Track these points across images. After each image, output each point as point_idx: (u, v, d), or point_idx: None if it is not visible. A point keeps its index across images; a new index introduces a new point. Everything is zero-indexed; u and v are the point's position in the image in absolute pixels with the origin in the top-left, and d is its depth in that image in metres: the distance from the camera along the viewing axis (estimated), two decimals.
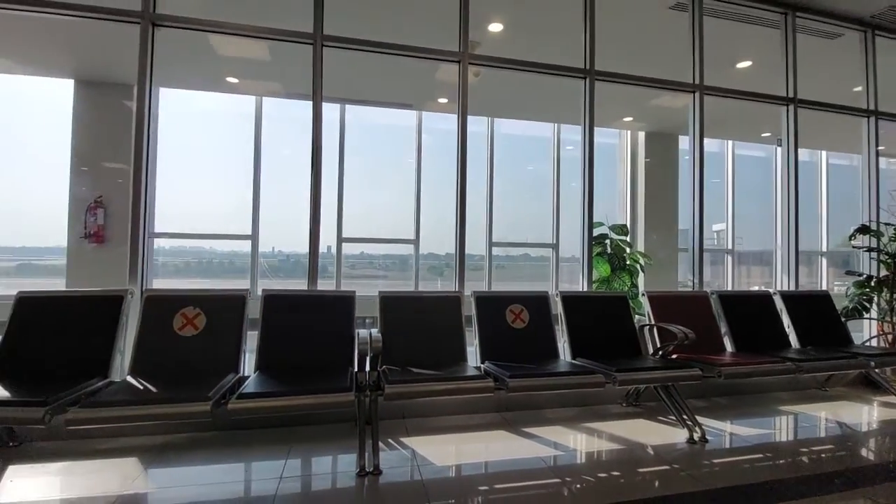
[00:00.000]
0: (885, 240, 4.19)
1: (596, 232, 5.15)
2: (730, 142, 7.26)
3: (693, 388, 3.30)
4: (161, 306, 2.58)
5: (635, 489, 2.03)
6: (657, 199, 6.84)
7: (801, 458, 2.38)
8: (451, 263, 3.40)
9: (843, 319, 3.79)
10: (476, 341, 2.93)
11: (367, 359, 2.37)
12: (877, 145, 4.53)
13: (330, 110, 5.75)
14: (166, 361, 2.45)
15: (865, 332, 4.29)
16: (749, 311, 3.52)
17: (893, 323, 3.95)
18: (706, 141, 3.93)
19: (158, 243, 5.44)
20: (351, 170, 5.91)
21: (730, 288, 7.16)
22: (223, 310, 2.64)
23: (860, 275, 4.22)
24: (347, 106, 5.92)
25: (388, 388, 2.20)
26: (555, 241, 6.47)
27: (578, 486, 2.06)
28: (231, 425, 2.60)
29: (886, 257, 4.11)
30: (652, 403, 3.17)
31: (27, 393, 1.94)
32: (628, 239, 5.76)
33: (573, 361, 2.88)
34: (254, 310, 2.73)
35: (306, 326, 2.69)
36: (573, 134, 6.53)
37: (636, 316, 3.40)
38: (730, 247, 7.26)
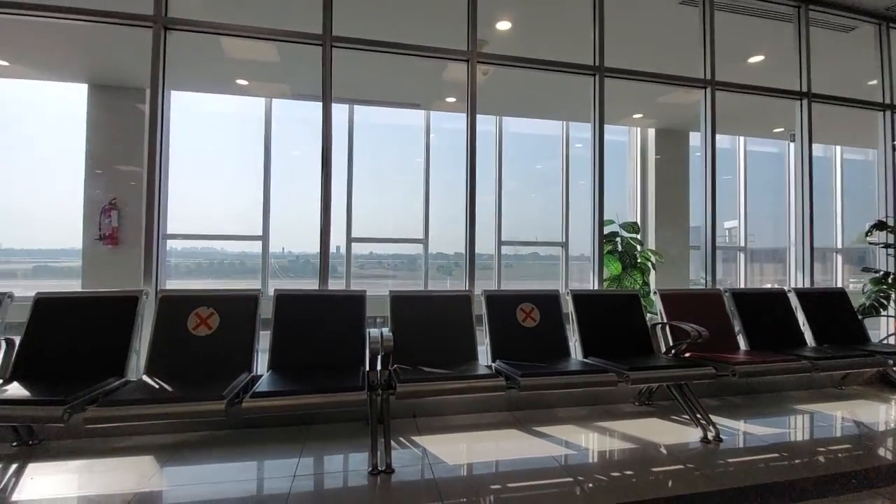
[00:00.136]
0: None
1: (606, 230, 5.13)
2: (741, 138, 7.17)
3: (706, 386, 3.28)
4: (175, 306, 2.62)
5: (649, 489, 2.02)
6: (668, 197, 6.78)
7: (817, 458, 2.35)
8: (460, 263, 3.40)
9: (859, 317, 3.72)
10: (487, 340, 2.92)
11: (379, 358, 2.38)
12: (893, 140, 4.45)
13: (338, 111, 5.78)
14: (181, 361, 2.48)
15: (882, 329, 4.22)
16: (763, 309, 3.47)
17: None
18: (717, 137, 3.89)
19: (170, 245, 5.50)
20: (360, 170, 5.94)
21: (742, 286, 7.07)
22: (236, 309, 2.66)
23: (877, 271, 4.14)
24: (356, 106, 5.95)
25: (400, 387, 2.20)
26: (564, 240, 6.44)
27: (591, 485, 2.05)
28: (245, 424, 2.63)
29: None
30: (664, 402, 3.14)
31: (46, 392, 1.97)
32: (639, 237, 5.72)
33: (585, 360, 2.86)
34: (265, 310, 2.75)
35: (318, 326, 2.71)
36: (582, 132, 6.50)
37: (648, 314, 3.37)
38: (742, 244, 7.18)
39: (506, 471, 2.21)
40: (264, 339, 2.68)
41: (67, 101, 5.33)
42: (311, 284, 3.10)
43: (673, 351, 2.99)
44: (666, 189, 6.80)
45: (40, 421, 1.89)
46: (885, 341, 3.85)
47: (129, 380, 2.35)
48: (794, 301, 3.59)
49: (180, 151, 5.15)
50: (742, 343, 3.30)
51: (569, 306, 3.13)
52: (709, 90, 3.88)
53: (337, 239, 5.80)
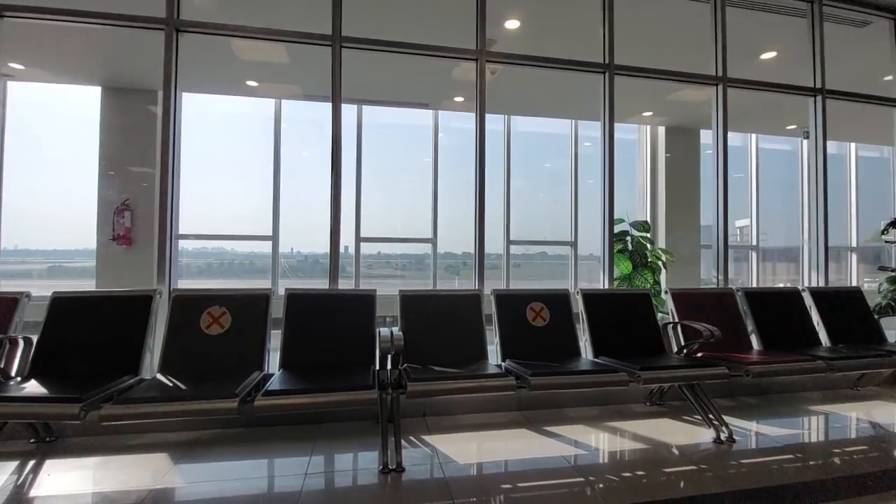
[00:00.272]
0: None
1: (617, 228, 5.09)
2: (753, 135, 7.09)
3: (719, 387, 3.25)
4: (188, 306, 2.65)
5: (661, 489, 2.01)
6: (678, 195, 6.73)
7: (832, 460, 2.32)
8: (468, 262, 3.40)
9: (875, 316, 3.67)
10: (496, 339, 2.92)
11: (389, 357, 2.38)
12: None
13: (347, 111, 5.80)
14: (194, 359, 2.51)
15: None
16: (777, 308, 3.43)
17: None
18: (729, 134, 3.84)
19: (181, 245, 5.56)
20: (368, 170, 5.96)
21: (754, 285, 6.99)
22: (248, 309, 2.69)
23: (893, 270, 4.08)
24: (364, 107, 5.97)
25: (411, 386, 2.21)
26: (573, 239, 6.41)
27: (602, 485, 2.04)
28: (256, 422, 2.65)
29: None
30: (676, 403, 3.12)
31: (63, 390, 2.00)
32: (650, 235, 5.67)
33: (595, 360, 2.85)
34: (276, 309, 2.77)
35: (329, 325, 2.73)
36: (591, 130, 6.46)
37: (658, 314, 3.35)
38: (754, 243, 7.09)
39: (516, 470, 2.20)
40: (275, 338, 2.70)
41: (81, 104, 5.41)
42: (320, 284, 3.11)
43: (685, 351, 2.97)
44: (676, 187, 6.74)
45: (58, 418, 1.93)
46: None
47: (144, 378, 2.38)
48: (809, 300, 3.55)
49: (191, 153, 5.22)
50: (755, 343, 3.27)
51: (579, 306, 3.11)
52: (720, 87, 3.84)
53: (346, 238, 5.82)
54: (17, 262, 5.67)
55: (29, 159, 5.47)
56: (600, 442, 2.57)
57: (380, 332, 2.41)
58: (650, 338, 3.11)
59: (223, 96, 5.75)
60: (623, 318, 3.14)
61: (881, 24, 4.32)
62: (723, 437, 2.53)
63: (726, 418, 2.72)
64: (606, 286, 3.55)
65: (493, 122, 6.23)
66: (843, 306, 3.59)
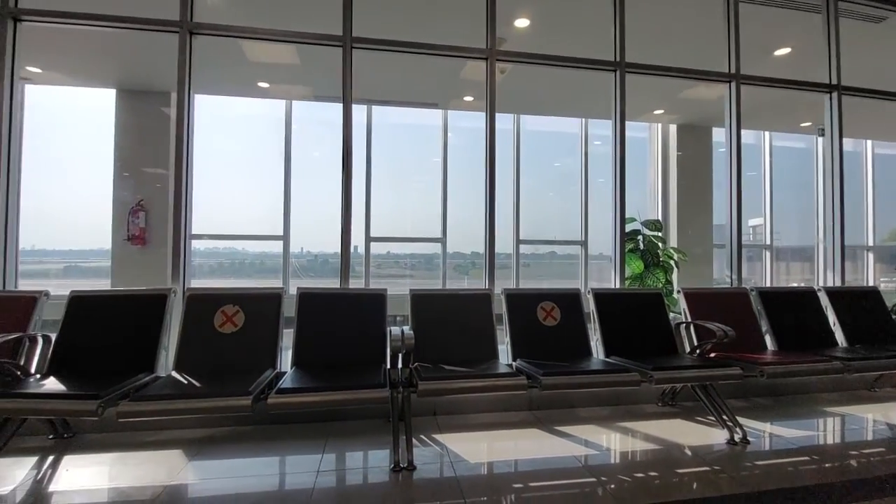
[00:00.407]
0: None
1: (628, 228, 5.05)
2: (766, 133, 6.99)
3: (732, 387, 3.21)
4: (202, 304, 2.68)
5: (674, 490, 1.99)
6: (690, 194, 6.66)
7: (848, 462, 2.28)
8: (477, 262, 3.40)
9: (893, 317, 3.60)
10: (507, 339, 2.92)
11: (400, 356, 2.39)
12: None
13: (357, 112, 5.83)
14: (208, 357, 2.54)
15: None
16: (792, 308, 3.38)
17: None
18: (742, 132, 3.80)
19: (194, 245, 5.63)
20: (378, 170, 5.98)
21: (768, 285, 6.90)
22: (261, 307, 2.72)
23: None
24: (374, 107, 5.99)
25: (422, 385, 2.21)
26: (583, 239, 6.38)
27: (614, 486, 2.03)
28: (269, 419, 2.67)
29: None
30: (689, 403, 3.09)
31: (81, 387, 2.04)
32: (661, 234, 5.63)
33: (607, 360, 2.83)
34: (288, 308, 2.80)
35: (340, 324, 2.75)
36: (601, 129, 6.42)
37: (671, 314, 3.32)
38: (768, 242, 7.00)
39: (527, 470, 2.20)
40: (286, 337, 2.73)
41: (96, 107, 5.50)
42: (331, 283, 3.13)
43: (698, 351, 2.94)
44: (688, 186, 6.67)
45: (76, 415, 1.97)
46: None
47: (159, 375, 2.42)
48: (824, 300, 3.49)
49: (204, 154, 5.29)
50: (769, 343, 3.22)
51: (590, 305, 3.10)
52: (733, 84, 3.79)
53: (356, 238, 5.85)
54: (35, 261, 5.78)
55: (46, 161, 5.58)
56: (612, 442, 2.55)
57: (391, 331, 2.42)
58: (662, 338, 3.08)
59: (235, 98, 5.81)
60: (635, 318, 3.12)
61: None
62: (737, 438, 2.50)
63: (740, 419, 2.69)
64: (618, 286, 3.52)
65: (503, 121, 6.22)
66: (860, 306, 3.53)
